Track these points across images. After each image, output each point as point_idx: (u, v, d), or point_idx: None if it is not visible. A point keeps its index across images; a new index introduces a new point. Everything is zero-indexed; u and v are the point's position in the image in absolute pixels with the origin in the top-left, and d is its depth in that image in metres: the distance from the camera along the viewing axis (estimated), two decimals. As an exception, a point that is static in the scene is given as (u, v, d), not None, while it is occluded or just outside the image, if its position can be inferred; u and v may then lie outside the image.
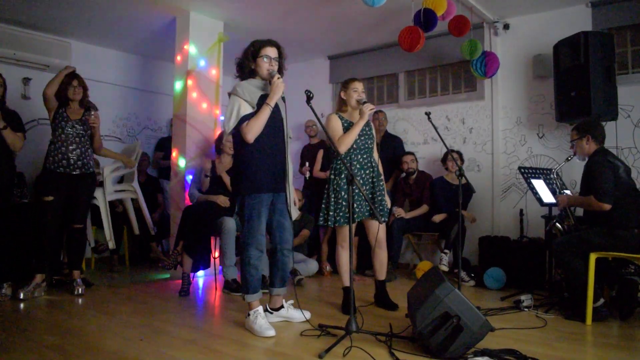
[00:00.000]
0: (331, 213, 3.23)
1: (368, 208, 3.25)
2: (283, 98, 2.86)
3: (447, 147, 3.67)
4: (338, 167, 3.29)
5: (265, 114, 2.73)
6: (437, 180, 5.07)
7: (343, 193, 3.21)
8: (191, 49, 4.97)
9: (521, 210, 4.70)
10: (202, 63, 5.03)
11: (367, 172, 3.32)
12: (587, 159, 3.32)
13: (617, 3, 4.53)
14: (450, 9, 4.33)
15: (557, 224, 3.58)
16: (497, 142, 5.22)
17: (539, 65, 4.89)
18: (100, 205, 4.61)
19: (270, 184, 2.81)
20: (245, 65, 2.86)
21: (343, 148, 3.22)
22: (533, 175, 3.99)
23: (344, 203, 3.20)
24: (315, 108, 2.83)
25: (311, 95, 2.75)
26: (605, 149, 3.31)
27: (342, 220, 3.22)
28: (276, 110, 2.83)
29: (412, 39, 4.19)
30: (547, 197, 3.91)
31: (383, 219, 3.25)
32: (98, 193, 4.55)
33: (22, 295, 3.59)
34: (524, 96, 5.10)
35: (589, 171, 3.23)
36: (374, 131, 3.45)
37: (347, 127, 3.30)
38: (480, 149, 5.35)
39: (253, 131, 2.72)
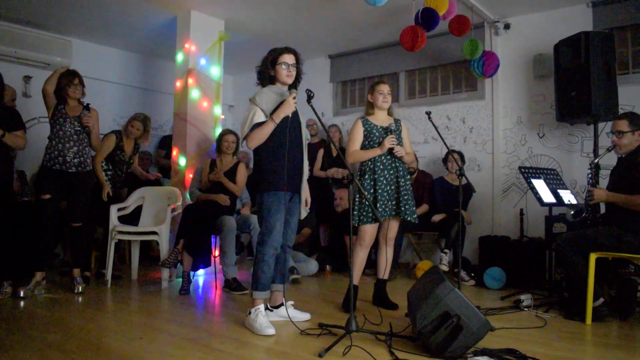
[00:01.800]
0: (355, 212, 3.31)
1: (394, 207, 3.33)
2: (293, 113, 2.92)
3: (447, 147, 3.67)
4: (363, 167, 3.37)
5: (269, 128, 2.82)
6: (437, 180, 5.07)
7: (366, 193, 3.28)
8: (192, 47, 4.97)
9: (521, 210, 4.70)
10: (202, 62, 5.03)
11: (391, 172, 3.35)
12: (622, 155, 3.22)
13: (617, 3, 4.53)
14: (451, 8, 4.33)
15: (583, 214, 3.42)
16: (497, 141, 5.22)
17: (540, 65, 4.89)
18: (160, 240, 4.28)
19: (288, 183, 2.88)
20: (265, 73, 2.97)
21: (349, 160, 3.37)
22: (533, 175, 3.99)
23: (367, 203, 3.26)
24: (315, 107, 2.87)
25: (312, 95, 2.77)
26: None
27: (365, 219, 3.30)
28: (295, 114, 2.92)
29: (414, 39, 4.20)
30: (547, 197, 3.91)
31: (414, 220, 3.37)
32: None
33: (22, 294, 3.59)
34: (524, 96, 5.10)
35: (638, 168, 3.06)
36: (404, 132, 3.47)
37: (370, 130, 3.36)
38: (481, 149, 5.35)
39: (254, 141, 2.84)
